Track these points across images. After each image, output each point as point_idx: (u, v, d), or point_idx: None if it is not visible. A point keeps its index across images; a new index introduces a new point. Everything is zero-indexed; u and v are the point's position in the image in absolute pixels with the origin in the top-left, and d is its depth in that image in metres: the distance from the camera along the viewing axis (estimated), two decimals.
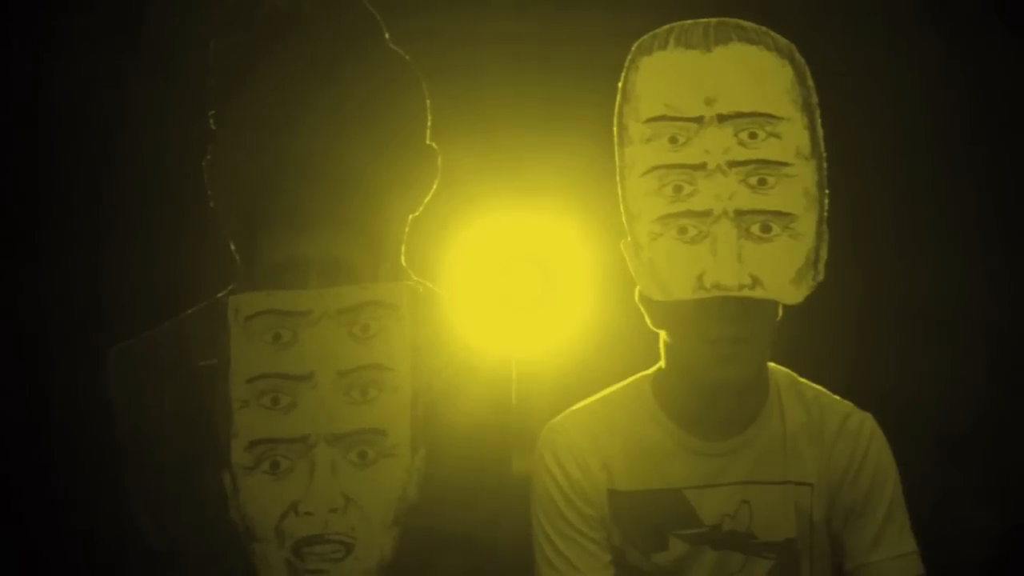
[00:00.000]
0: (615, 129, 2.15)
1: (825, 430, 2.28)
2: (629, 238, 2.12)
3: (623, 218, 2.12)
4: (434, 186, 2.21)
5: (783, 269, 2.05)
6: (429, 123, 2.20)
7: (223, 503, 1.96)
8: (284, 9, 2.13)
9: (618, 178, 2.13)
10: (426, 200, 2.22)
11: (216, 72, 2.17)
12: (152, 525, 2.21)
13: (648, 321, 2.21)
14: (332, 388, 1.96)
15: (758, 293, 2.05)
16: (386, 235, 2.16)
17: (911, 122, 3.16)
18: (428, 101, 2.20)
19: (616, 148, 2.14)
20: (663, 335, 2.23)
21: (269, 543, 1.93)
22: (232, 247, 2.17)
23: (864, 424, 2.29)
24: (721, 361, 2.12)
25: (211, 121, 2.16)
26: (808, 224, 2.07)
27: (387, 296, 1.98)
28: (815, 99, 2.12)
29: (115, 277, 3.08)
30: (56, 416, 3.04)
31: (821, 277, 2.08)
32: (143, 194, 3.04)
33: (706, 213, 2.06)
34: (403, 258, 2.21)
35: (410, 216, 2.21)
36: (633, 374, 2.35)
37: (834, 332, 2.87)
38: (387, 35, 2.18)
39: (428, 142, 2.21)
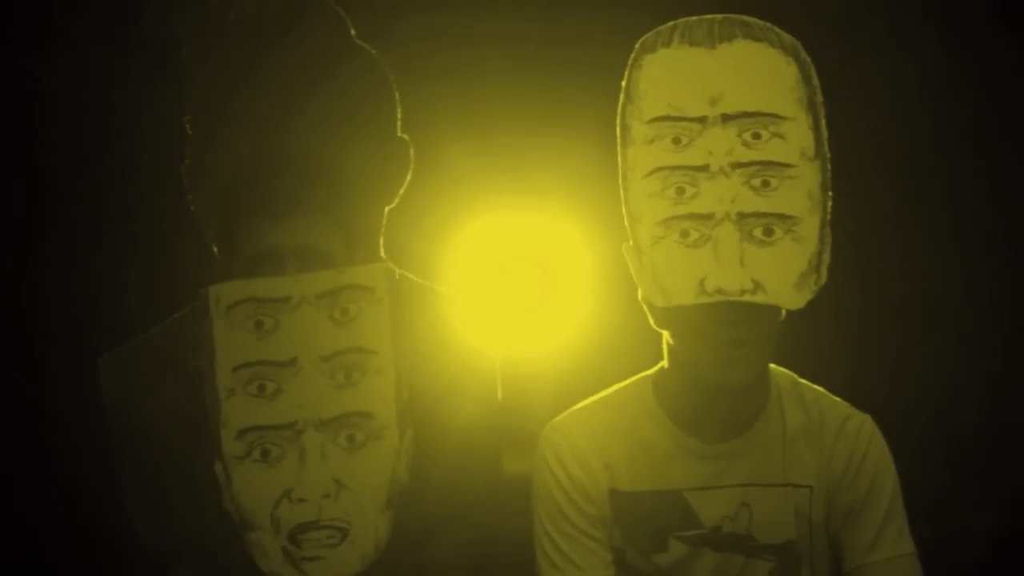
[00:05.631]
0: (618, 129, 2.14)
1: (825, 432, 2.27)
2: (631, 242, 2.11)
3: (625, 221, 2.12)
4: (408, 177, 2.23)
5: (785, 273, 2.05)
6: (399, 115, 2.23)
7: (219, 497, 1.97)
8: (251, 12, 2.16)
9: (620, 180, 2.12)
10: (401, 191, 2.25)
11: (189, 77, 2.20)
12: (150, 525, 2.22)
13: (651, 321, 2.20)
14: (316, 373, 1.97)
15: (760, 298, 2.04)
16: (361, 224, 2.19)
17: (911, 122, 3.16)
18: (397, 94, 2.23)
19: (619, 148, 2.13)
20: (666, 335, 2.23)
21: (265, 532, 1.94)
22: (215, 249, 2.20)
23: (863, 426, 2.29)
24: (723, 364, 2.12)
25: (187, 126, 2.19)
26: (811, 227, 2.07)
27: (363, 279, 2.00)
28: (820, 98, 2.11)
29: (114, 277, 3.08)
30: (55, 416, 3.04)
31: (823, 281, 2.07)
32: (143, 194, 3.04)
33: (708, 216, 2.06)
34: (383, 251, 2.23)
35: (386, 208, 2.24)
36: (632, 374, 2.35)
37: (834, 333, 2.87)
38: (353, 31, 2.21)
39: (400, 134, 2.23)
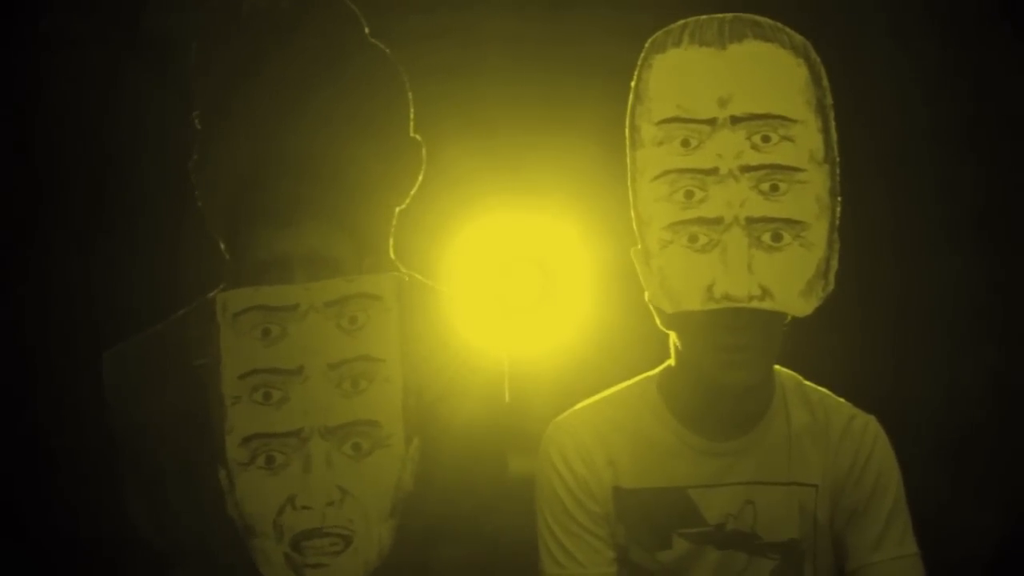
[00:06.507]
0: (627, 131, 2.13)
1: (830, 432, 2.28)
2: (639, 245, 2.11)
3: (633, 224, 2.11)
4: (419, 178, 2.22)
5: (793, 280, 2.05)
6: (412, 115, 2.21)
7: (221, 501, 1.97)
8: (263, 8, 2.14)
9: (629, 182, 2.12)
10: (412, 192, 2.23)
11: (199, 73, 2.18)
12: (151, 526, 2.21)
13: (658, 322, 2.20)
14: (323, 381, 1.96)
15: (767, 305, 2.04)
16: (371, 228, 2.18)
17: (911, 122, 3.16)
18: (410, 94, 2.21)
19: (628, 150, 2.12)
20: (673, 336, 2.23)
21: (268, 538, 1.94)
22: (222, 246, 2.19)
23: (868, 426, 2.29)
24: (729, 366, 2.12)
25: (196, 122, 2.18)
26: (819, 233, 2.06)
27: (372, 288, 1.99)
28: (829, 100, 2.11)
29: (114, 277, 3.07)
30: (56, 416, 3.04)
31: (831, 287, 2.07)
32: (143, 194, 3.04)
33: (717, 220, 2.05)
34: (392, 251, 2.22)
35: (396, 209, 2.22)
36: (633, 374, 2.35)
37: (834, 334, 2.87)
38: (367, 29, 2.20)
39: (412, 134, 2.21)
